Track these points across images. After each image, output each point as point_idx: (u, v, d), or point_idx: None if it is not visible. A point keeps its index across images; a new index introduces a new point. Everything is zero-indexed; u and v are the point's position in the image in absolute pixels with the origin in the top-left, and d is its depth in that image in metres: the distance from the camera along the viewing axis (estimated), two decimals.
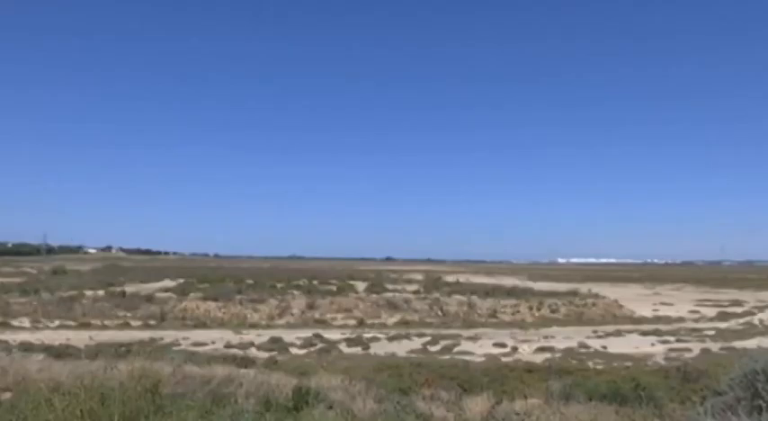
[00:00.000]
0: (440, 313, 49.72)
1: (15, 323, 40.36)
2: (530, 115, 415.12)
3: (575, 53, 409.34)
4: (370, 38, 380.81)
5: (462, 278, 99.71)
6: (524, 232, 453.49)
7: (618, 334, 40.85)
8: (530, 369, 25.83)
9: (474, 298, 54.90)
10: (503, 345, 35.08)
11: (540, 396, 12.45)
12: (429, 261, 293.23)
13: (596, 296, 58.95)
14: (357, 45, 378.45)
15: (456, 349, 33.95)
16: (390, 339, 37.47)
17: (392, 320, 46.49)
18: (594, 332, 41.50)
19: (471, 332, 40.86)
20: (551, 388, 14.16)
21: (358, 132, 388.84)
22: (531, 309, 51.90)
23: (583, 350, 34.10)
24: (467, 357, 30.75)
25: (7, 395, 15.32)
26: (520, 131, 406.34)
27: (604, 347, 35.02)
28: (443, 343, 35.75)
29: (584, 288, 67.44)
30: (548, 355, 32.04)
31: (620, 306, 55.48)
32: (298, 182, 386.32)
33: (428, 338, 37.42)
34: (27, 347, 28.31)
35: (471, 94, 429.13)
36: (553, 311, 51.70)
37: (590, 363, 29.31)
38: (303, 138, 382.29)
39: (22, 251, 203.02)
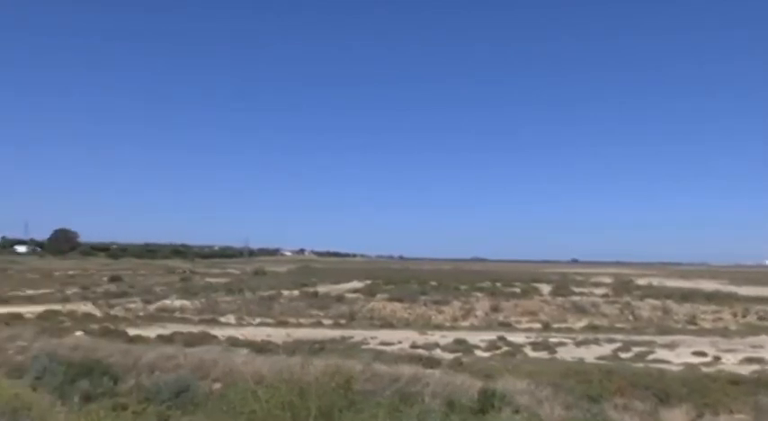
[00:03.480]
0: (631, 318, 47.26)
1: (223, 320, 44.05)
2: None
3: None
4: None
5: (655, 281, 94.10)
6: (725, 231, 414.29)
7: None
8: (735, 381, 23.66)
9: (669, 302, 51.57)
10: (703, 354, 32.48)
11: (748, 411, 11.44)
12: (617, 263, 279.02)
13: None
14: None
15: (650, 357, 31.97)
16: (578, 344, 36.17)
17: (579, 324, 44.90)
18: None
19: (667, 339, 38.28)
20: (761, 402, 12.95)
21: (540, 127, 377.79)
22: (735, 315, 47.75)
23: None
24: (662, 366, 28.86)
25: (218, 385, 16.88)
26: (715, 125, 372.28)
27: None
28: (636, 350, 33.84)
29: None
30: (756, 367, 29.15)
31: None
32: (480, 183, 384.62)
33: (618, 344, 35.63)
34: (233, 342, 30.83)
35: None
36: (761, 319, 47.13)
37: None
38: (482, 138, 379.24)
39: (226, 254, 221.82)
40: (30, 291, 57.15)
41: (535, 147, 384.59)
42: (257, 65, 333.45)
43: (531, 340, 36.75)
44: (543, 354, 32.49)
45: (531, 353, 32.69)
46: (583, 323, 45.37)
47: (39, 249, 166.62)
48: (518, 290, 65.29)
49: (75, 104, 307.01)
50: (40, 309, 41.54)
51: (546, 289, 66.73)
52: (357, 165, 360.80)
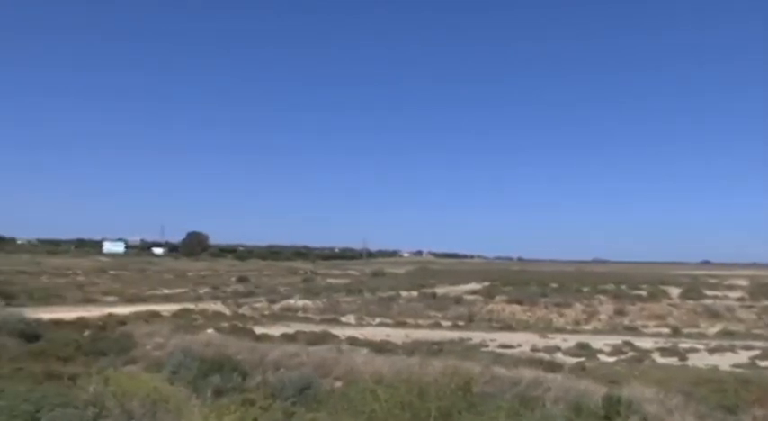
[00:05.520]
0: None
1: (343, 319, 45.11)
2: None
3: None
4: None
5: None
6: None
7: None
8: None
9: None
10: None
11: None
12: (754, 265, 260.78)
13: None
14: None
15: None
16: (711, 350, 34.20)
17: (712, 330, 42.43)
18: None
19: None
20: None
21: (667, 122, 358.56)
22: None
23: None
24: None
25: (339, 383, 17.30)
26: None
27: None
28: None
29: None
30: None
31: None
32: (602, 182, 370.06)
33: (757, 351, 33.35)
34: (353, 342, 31.52)
35: None
36: None
37: None
38: (604, 134, 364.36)
39: (346, 255, 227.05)
40: (166, 291, 60.94)
41: (662, 142, 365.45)
42: (369, 64, 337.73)
43: (660, 345, 35.13)
44: (673, 361, 31.00)
45: (660, 360, 31.27)
46: (716, 328, 42.88)
47: (169, 251, 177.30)
48: (644, 292, 62.46)
49: (208, 114, 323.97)
50: (175, 307, 44.13)
51: (675, 292, 63.45)
52: (476, 166, 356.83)
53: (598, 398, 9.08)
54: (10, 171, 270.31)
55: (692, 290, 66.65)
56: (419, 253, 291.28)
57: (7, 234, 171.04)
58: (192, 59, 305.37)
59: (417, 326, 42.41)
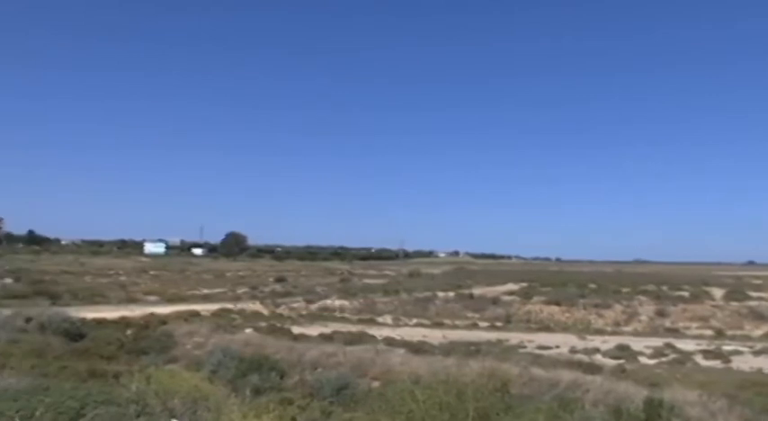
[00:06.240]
0: None
1: (380, 320, 45.20)
2: None
3: None
4: None
5: None
6: None
7: None
8: None
9: None
10: None
11: None
12: None
13: None
14: None
15: None
16: (756, 353, 33.42)
17: (757, 332, 41.41)
18: None
19: None
20: None
21: (716, 119, 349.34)
22: None
23: None
24: None
25: (376, 383, 17.35)
26: None
27: None
28: None
29: None
30: None
31: None
32: (641, 181, 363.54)
33: None
34: (389, 342, 31.57)
35: None
36: None
37: None
38: (646, 131, 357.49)
39: (383, 256, 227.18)
40: (205, 291, 61.80)
41: (707, 141, 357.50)
42: (394, 65, 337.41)
43: (702, 348, 34.44)
44: (716, 364, 30.37)
45: (703, 362, 30.67)
46: (762, 330, 41.84)
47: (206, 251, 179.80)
48: (686, 294, 61.29)
49: (246, 117, 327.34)
50: (214, 307, 44.77)
51: (718, 293, 62.09)
52: (514, 166, 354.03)
53: (639, 401, 8.94)
54: (55, 173, 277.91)
55: (736, 291, 65.12)
56: (456, 253, 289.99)
57: (52, 235, 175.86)
58: (218, 60, 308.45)
59: (454, 327, 42.29)
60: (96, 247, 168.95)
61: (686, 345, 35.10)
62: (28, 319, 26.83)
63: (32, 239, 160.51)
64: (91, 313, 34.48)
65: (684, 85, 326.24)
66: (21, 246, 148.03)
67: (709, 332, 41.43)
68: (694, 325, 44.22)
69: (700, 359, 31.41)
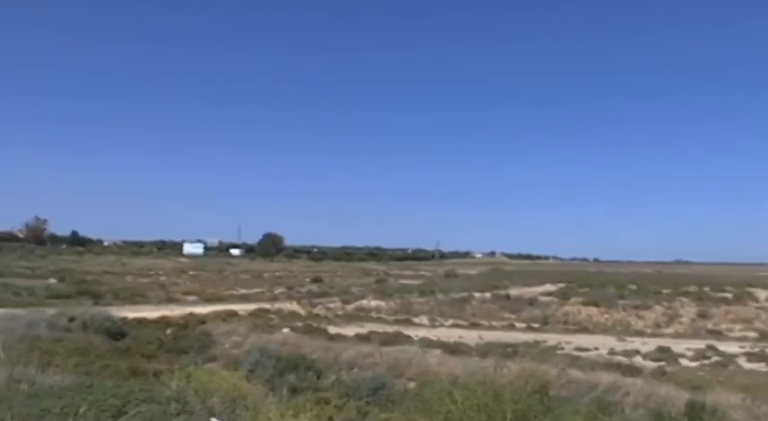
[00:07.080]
0: None
1: (416, 320, 45.10)
2: None
3: None
4: None
5: None
6: None
7: None
8: None
9: None
10: None
11: None
12: None
13: None
14: None
15: None
16: None
17: None
18: None
19: None
20: None
21: (758, 117, 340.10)
22: None
23: None
24: None
25: (412, 384, 17.34)
26: None
27: None
28: None
29: None
30: None
31: None
32: (682, 179, 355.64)
33: None
34: (426, 343, 31.44)
35: None
36: None
37: None
38: (686, 128, 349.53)
39: (418, 256, 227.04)
40: (243, 291, 62.53)
41: (748, 139, 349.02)
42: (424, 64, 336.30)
43: (746, 350, 33.63)
44: (760, 366, 29.62)
45: (746, 365, 29.93)
46: None
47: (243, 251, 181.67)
48: (729, 295, 60.05)
49: (281, 117, 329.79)
50: (251, 307, 45.19)
51: (762, 294, 60.68)
52: (550, 165, 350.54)
53: (680, 404, 8.77)
54: (98, 175, 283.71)
55: None
56: (492, 254, 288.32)
57: (95, 236, 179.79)
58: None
59: (491, 328, 41.99)
60: (137, 248, 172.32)
61: (729, 348, 34.32)
62: (71, 319, 27.46)
63: (76, 240, 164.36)
64: (132, 313, 35.13)
65: (730, 83, 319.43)
66: (64, 247, 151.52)
67: (753, 334, 40.42)
68: (737, 327, 43.22)
69: (743, 361, 30.67)
